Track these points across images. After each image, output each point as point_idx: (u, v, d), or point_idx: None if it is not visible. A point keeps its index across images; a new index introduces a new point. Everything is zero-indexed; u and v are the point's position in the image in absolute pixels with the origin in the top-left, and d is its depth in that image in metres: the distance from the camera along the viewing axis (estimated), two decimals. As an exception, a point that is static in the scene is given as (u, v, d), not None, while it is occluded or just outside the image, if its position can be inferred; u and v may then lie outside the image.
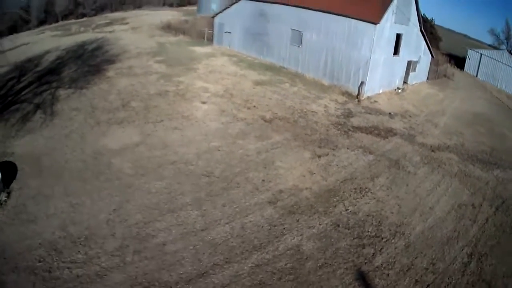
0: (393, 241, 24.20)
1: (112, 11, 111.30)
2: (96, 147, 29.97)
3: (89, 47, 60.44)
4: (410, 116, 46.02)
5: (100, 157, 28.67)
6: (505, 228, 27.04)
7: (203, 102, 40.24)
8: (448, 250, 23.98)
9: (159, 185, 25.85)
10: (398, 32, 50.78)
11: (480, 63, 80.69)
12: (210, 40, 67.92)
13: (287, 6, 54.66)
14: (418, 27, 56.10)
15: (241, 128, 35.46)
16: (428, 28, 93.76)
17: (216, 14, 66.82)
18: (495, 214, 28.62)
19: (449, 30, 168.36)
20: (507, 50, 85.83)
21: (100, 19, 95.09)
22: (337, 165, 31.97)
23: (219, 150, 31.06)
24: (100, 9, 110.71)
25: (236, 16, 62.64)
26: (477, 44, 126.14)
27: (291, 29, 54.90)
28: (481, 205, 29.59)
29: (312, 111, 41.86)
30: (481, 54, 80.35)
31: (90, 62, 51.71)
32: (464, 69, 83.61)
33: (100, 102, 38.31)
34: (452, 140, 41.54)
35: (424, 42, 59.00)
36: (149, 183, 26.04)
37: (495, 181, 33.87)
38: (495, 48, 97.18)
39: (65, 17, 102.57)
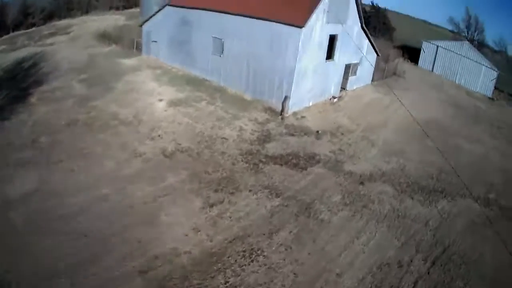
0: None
1: (60, 18, 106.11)
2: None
3: (25, 65, 57.00)
4: (343, 134, 40.44)
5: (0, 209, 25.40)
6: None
7: (106, 134, 36.33)
8: None
9: (43, 246, 22.52)
10: (332, 34, 45.26)
11: (437, 56, 75.44)
12: (140, 49, 61.81)
13: (208, 12, 48.90)
14: (359, 24, 50.14)
15: (137, 168, 31.12)
16: (380, 18, 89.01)
17: (144, 22, 60.68)
18: (429, 273, 23.40)
19: (408, 16, 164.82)
20: (468, 40, 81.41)
21: (47, 28, 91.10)
22: (230, 217, 26.51)
23: (105, 200, 26.83)
24: (49, 18, 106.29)
25: (162, 24, 56.90)
26: (438, 31, 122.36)
27: (212, 37, 49.15)
28: (411, 261, 24.19)
29: (223, 138, 36.71)
30: (437, 46, 74.89)
31: (21, 85, 48.39)
32: (419, 64, 78.08)
33: (16, 137, 34.85)
34: (390, 163, 36.15)
35: (367, 40, 52.78)
36: (36, 244, 22.69)
37: (439, 218, 28.71)
38: (457, 33, 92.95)
39: (16, 27, 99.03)
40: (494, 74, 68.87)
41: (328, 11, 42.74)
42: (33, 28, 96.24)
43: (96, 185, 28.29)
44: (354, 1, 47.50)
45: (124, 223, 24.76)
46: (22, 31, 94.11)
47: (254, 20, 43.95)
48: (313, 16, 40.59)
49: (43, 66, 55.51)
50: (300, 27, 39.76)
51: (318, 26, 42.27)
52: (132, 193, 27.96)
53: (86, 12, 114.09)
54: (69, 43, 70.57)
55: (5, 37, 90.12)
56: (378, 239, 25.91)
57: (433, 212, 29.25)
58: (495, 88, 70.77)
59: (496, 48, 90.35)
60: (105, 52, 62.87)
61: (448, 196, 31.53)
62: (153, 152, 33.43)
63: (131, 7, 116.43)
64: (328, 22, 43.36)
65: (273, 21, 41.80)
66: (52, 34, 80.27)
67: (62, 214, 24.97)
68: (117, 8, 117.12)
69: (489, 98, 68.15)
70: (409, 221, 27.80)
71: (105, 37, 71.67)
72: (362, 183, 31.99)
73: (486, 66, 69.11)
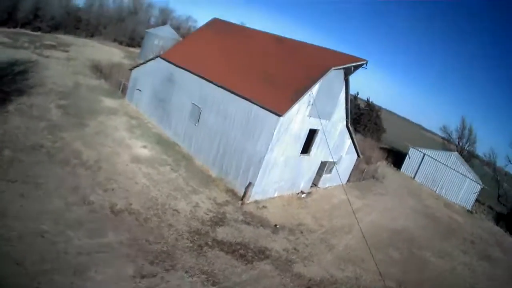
0: None
1: (65, 33, 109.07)
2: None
3: (16, 69, 57.30)
4: (302, 232, 38.64)
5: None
6: None
7: (64, 170, 35.11)
8: None
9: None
10: (313, 128, 44.07)
11: (421, 164, 75.12)
12: (125, 93, 61.01)
13: (193, 76, 48.32)
14: (345, 122, 49.03)
15: (81, 215, 29.29)
16: (372, 118, 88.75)
17: (134, 67, 59.79)
18: None
19: (404, 119, 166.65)
20: (458, 149, 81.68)
21: (50, 38, 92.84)
22: (158, 293, 24.12)
23: (43, 236, 25.54)
24: (55, 28, 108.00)
25: (149, 74, 56.39)
26: (430, 137, 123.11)
27: (192, 103, 48.67)
28: None
29: (175, 209, 34.78)
30: (424, 154, 74.48)
31: (5, 88, 48.01)
32: (402, 169, 77.53)
33: None
34: (345, 271, 34.21)
35: (350, 140, 51.83)
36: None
37: None
38: (448, 141, 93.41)
39: (23, 25, 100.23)
40: (477, 187, 68.83)
41: (312, 104, 41.49)
42: (38, 33, 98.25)
43: (38, 218, 27.11)
44: (344, 99, 46.59)
45: (55, 265, 23.45)
46: (28, 31, 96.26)
47: (235, 96, 42.90)
48: (295, 107, 39.56)
49: (31, 77, 55.65)
50: (279, 115, 38.54)
51: (299, 118, 41.21)
52: (69, 239, 26.38)
53: (91, 36, 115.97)
54: (63, 62, 70.78)
55: (12, 30, 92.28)
56: None
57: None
58: (476, 200, 70.38)
59: (485, 159, 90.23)
60: (92, 85, 62.59)
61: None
62: (102, 204, 31.74)
63: (133, 46, 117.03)
64: (310, 116, 42.33)
65: (253, 102, 40.93)
66: (52, 47, 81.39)
67: (1, 234, 24.11)
68: (121, 43, 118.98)
69: (468, 210, 67.88)
70: None
71: (97, 69, 71.61)
72: (308, 287, 29.82)
73: (471, 179, 68.77)
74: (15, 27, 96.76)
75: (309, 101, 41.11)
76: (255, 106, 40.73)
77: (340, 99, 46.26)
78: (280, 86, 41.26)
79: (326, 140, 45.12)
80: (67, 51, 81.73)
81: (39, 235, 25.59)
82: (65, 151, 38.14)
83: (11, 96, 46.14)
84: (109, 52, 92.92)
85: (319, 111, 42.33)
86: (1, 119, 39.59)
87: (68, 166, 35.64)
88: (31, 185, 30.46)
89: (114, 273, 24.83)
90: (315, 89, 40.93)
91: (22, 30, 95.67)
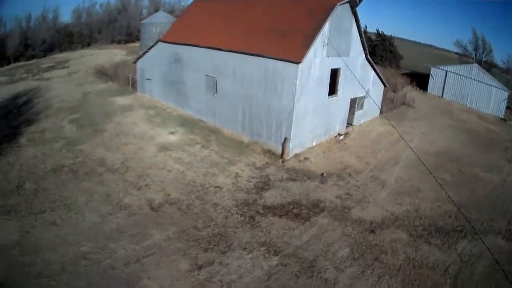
0: None
1: (61, 51, 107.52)
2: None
3: (19, 102, 56.02)
4: (350, 175, 36.93)
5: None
6: None
7: (91, 182, 33.40)
8: None
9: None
10: (334, 67, 41.75)
11: (446, 81, 72.58)
12: (135, 87, 59.31)
13: (200, 49, 46.25)
14: (364, 55, 46.85)
15: (119, 223, 27.60)
16: (386, 47, 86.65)
17: (138, 58, 58.14)
18: None
19: (414, 42, 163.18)
20: (476, 62, 78.97)
21: (47, 61, 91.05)
22: (221, 281, 22.67)
23: (85, 258, 23.71)
24: (49, 50, 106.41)
25: (155, 61, 54.64)
26: (445, 54, 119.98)
27: (205, 75, 46.35)
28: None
29: (216, 186, 33.20)
30: (446, 71, 71.96)
31: (12, 123, 46.90)
32: (428, 90, 75.14)
33: (2, 181, 32.76)
34: (403, 205, 32.29)
35: (372, 71, 49.62)
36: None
37: (458, 264, 24.95)
38: (464, 56, 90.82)
39: (16, 58, 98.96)
40: (505, 94, 66.60)
41: (328, 44, 39.31)
42: (34, 60, 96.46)
43: (76, 242, 25.49)
44: (357, 32, 44.23)
45: (104, 287, 21.81)
46: (22, 63, 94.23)
47: (247, 56, 40.89)
48: (311, 50, 37.35)
49: (36, 103, 54.47)
50: (297, 62, 36.48)
51: (318, 60, 39.03)
52: (114, 252, 24.81)
53: (88, 45, 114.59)
54: (65, 78, 69.56)
55: (5, 68, 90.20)
56: (391, 299, 21.93)
57: (453, 255, 25.73)
58: (507, 108, 68.36)
59: (504, 67, 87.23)
60: (100, 89, 61.20)
61: (469, 234, 27.88)
62: (139, 204, 30.19)
63: (133, 41, 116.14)
64: (328, 56, 40.08)
65: (267, 57, 38.96)
66: (50, 68, 79.61)
67: (41, 271, 22.51)
68: (119, 42, 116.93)
69: (502, 118, 65.76)
70: (426, 271, 24.18)
71: (102, 73, 70.22)
72: (372, 231, 28.18)
73: (497, 87, 66.65)
74: (8, 64, 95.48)
75: (324, 42, 38.97)
76: (271, 60, 38.76)
77: (353, 33, 43.91)
78: (290, 35, 39.03)
79: (353, 74, 42.70)
80: (67, 67, 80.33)
81: (81, 258, 24.10)
82: (88, 163, 36.74)
83: (21, 128, 44.92)
84: (110, 54, 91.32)
85: (335, 49, 40.12)
86: (16, 155, 38.31)
87: (95, 177, 34.16)
88: (61, 210, 29.06)
89: (169, 274, 23.28)
90: (326, 28, 38.72)
91: (17, 64, 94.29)
